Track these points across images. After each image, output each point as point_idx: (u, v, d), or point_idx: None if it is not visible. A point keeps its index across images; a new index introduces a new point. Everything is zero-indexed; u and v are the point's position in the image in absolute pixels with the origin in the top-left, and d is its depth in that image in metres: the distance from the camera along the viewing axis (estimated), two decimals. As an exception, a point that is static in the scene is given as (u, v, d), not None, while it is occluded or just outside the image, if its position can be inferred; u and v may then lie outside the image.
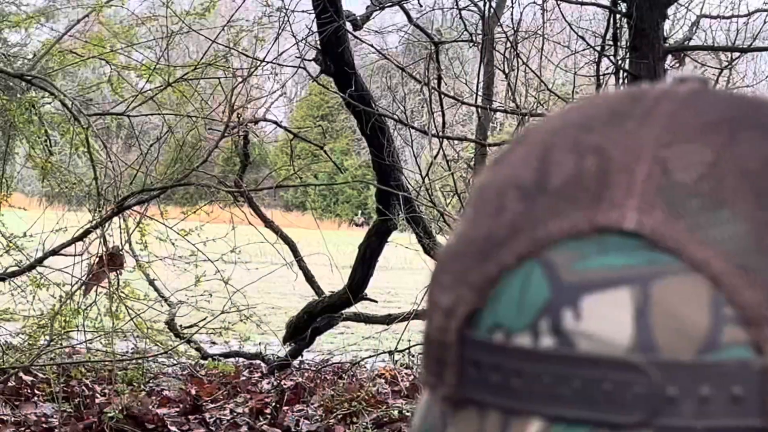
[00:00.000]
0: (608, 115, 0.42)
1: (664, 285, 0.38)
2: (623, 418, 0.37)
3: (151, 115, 6.18)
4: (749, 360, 0.37)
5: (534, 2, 5.56)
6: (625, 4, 4.57)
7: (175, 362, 6.18)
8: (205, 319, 5.64)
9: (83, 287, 4.94)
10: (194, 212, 5.80)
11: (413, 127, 6.07)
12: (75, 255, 4.90)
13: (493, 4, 5.62)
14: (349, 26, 5.55)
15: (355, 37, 6.05)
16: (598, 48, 5.17)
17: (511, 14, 5.69)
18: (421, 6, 6.45)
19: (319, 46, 5.46)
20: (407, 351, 6.21)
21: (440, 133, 5.58)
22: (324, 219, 24.92)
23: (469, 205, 0.45)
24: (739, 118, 0.42)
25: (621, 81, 4.63)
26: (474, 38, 5.94)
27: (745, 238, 0.38)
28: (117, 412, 4.38)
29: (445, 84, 6.28)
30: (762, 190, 0.39)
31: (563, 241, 0.39)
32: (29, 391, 5.03)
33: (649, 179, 0.39)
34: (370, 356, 6.18)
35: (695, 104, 0.42)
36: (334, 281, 6.23)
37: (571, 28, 5.56)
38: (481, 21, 5.66)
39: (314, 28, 5.43)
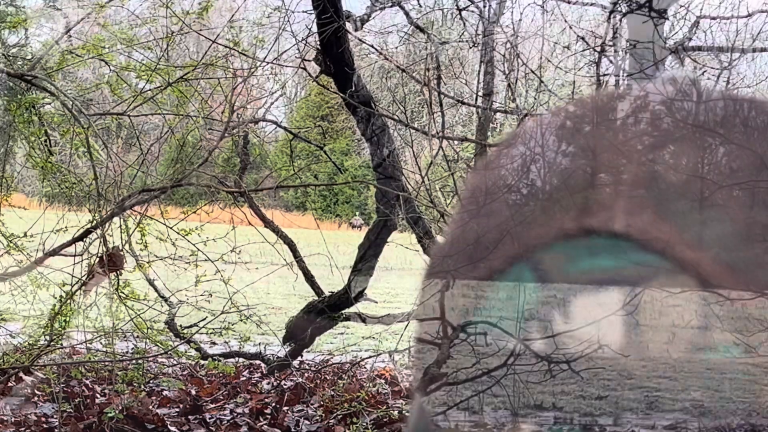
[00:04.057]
0: (597, 118, 0.43)
1: (652, 286, 0.38)
2: (614, 418, 0.38)
3: (151, 115, 6.18)
4: (740, 358, 0.38)
5: (534, 2, 5.56)
6: (625, 5, 4.56)
7: (175, 362, 6.18)
8: (205, 319, 5.64)
9: (83, 287, 4.94)
10: (194, 212, 5.79)
11: (413, 128, 6.07)
12: (75, 255, 4.90)
13: (493, 5, 5.62)
14: (349, 26, 5.55)
15: (355, 37, 6.05)
16: (598, 48, 5.17)
17: (511, 14, 5.70)
18: (420, 6, 6.45)
19: (319, 46, 5.46)
20: (407, 351, 6.20)
21: (440, 134, 5.58)
22: (324, 219, 24.91)
23: (461, 208, 0.45)
24: (727, 119, 0.42)
25: (621, 81, 4.63)
26: (474, 39, 5.94)
27: (732, 238, 0.39)
28: (117, 412, 4.38)
29: (445, 84, 6.27)
30: (749, 190, 0.39)
31: (553, 243, 0.40)
32: (29, 391, 5.03)
33: (637, 181, 0.40)
34: (370, 356, 6.17)
35: (684, 105, 0.42)
36: (334, 281, 6.23)
37: (571, 28, 5.55)
38: (481, 21, 5.66)
39: (314, 28, 5.43)
